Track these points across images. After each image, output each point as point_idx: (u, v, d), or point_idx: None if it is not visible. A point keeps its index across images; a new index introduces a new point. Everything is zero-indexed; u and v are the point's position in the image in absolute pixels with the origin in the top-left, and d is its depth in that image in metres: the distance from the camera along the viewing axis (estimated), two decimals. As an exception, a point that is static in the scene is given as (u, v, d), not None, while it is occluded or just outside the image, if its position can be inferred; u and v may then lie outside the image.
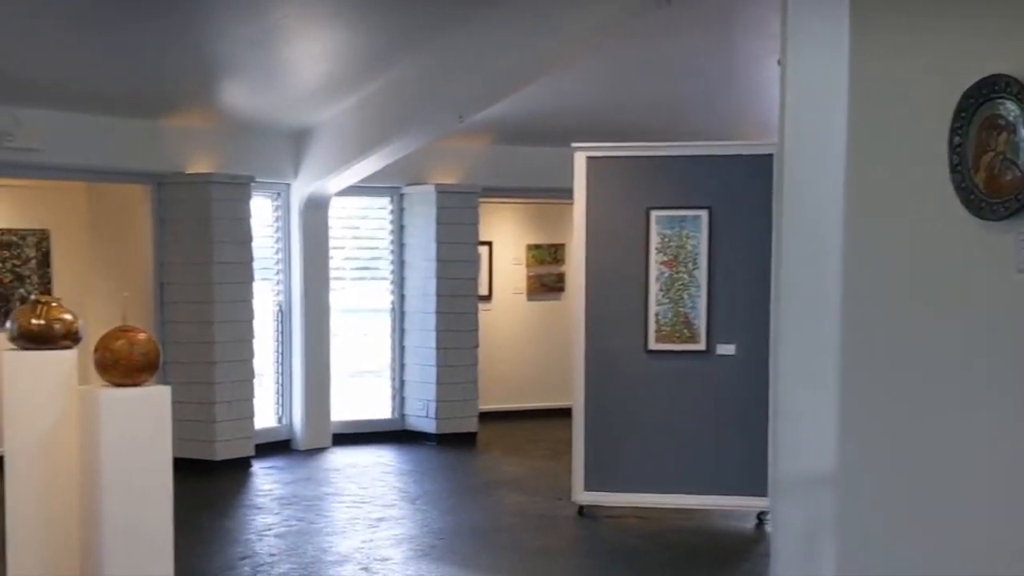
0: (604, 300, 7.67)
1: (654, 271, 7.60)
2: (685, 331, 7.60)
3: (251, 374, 9.74)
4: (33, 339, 5.53)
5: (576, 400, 7.75)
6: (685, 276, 7.57)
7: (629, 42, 7.99)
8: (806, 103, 4.90)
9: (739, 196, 7.50)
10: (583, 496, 7.78)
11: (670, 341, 7.60)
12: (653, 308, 7.61)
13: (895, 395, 4.09)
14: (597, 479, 7.71)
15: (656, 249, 7.59)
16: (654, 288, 7.61)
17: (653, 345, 7.62)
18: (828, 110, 4.60)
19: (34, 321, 5.53)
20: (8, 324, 5.63)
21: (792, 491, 5.08)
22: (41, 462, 5.51)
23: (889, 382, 4.11)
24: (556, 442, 10.06)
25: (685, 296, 7.57)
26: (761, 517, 7.60)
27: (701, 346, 7.57)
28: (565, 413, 8.77)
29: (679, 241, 7.57)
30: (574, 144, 7.71)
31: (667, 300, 7.59)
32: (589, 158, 7.64)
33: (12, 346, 5.58)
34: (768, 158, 7.24)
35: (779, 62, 5.06)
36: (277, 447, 10.23)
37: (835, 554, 4.56)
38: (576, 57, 8.07)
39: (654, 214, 7.59)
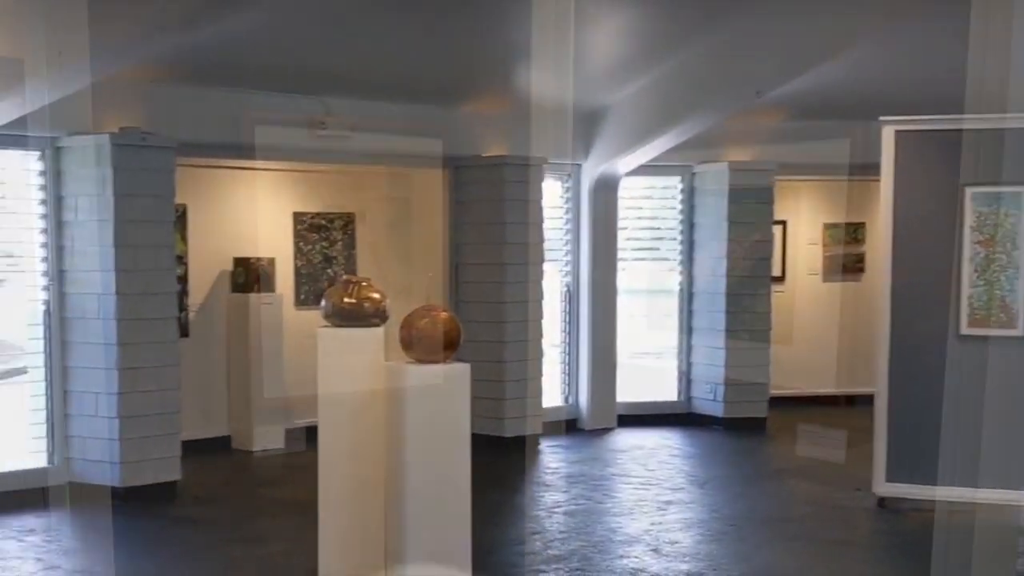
0: (912, 282, 7.36)
1: (968, 251, 7.24)
2: (1002, 315, 7.19)
3: (540, 354, 9.89)
4: (345, 317, 5.81)
5: (879, 387, 7.46)
6: (1003, 257, 7.17)
7: (945, 6, 7.50)
8: None
9: (1066, 171, 6.99)
10: (884, 487, 7.50)
11: (984, 326, 7.21)
12: (966, 290, 7.24)
13: None
14: (901, 470, 7.40)
15: (971, 228, 7.23)
16: (967, 269, 7.24)
17: (965, 330, 7.25)
18: None
19: (346, 300, 5.82)
20: (322, 303, 5.95)
21: None
22: (350, 433, 5.80)
23: None
24: (852, 430, 9.67)
25: (1003, 278, 7.17)
26: (1084, 517, 7.09)
27: (1020, 331, 7.17)
28: (861, 400, 8.43)
29: (997, 219, 7.18)
30: (882, 118, 7.41)
31: (982, 282, 7.20)
32: (898, 132, 7.34)
33: (326, 323, 5.89)
34: (1103, 129, 6.73)
35: None
36: (563, 426, 10.35)
37: None
38: (882, 26, 7.67)
39: (969, 191, 7.22)
